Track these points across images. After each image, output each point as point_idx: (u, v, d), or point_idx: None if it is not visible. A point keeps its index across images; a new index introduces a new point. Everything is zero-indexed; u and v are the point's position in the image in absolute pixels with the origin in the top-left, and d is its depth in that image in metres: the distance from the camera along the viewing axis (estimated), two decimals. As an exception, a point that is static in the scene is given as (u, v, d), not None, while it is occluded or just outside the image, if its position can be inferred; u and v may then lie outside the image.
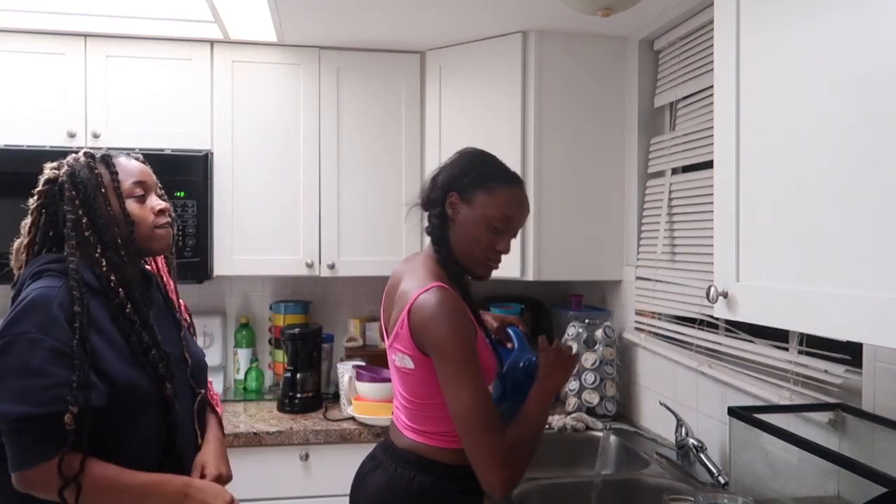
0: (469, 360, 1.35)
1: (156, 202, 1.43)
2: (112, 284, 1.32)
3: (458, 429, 1.35)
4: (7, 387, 1.18)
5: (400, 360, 1.47)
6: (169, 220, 1.44)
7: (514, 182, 1.51)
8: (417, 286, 1.43)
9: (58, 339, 1.20)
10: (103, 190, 1.36)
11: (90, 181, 1.35)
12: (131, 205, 1.38)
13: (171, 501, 1.28)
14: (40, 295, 1.24)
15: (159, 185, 1.48)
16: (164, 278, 1.60)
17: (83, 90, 2.46)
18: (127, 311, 1.32)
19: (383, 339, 1.64)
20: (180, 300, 1.67)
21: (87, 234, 1.32)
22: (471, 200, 1.48)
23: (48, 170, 1.40)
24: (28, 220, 1.40)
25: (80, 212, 1.33)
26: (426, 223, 1.56)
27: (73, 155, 1.41)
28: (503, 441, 1.33)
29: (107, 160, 1.40)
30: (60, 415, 1.17)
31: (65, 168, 1.37)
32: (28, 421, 1.18)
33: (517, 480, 1.36)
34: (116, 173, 1.38)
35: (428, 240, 1.56)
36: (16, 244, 1.41)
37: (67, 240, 1.31)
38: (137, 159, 1.47)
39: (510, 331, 1.64)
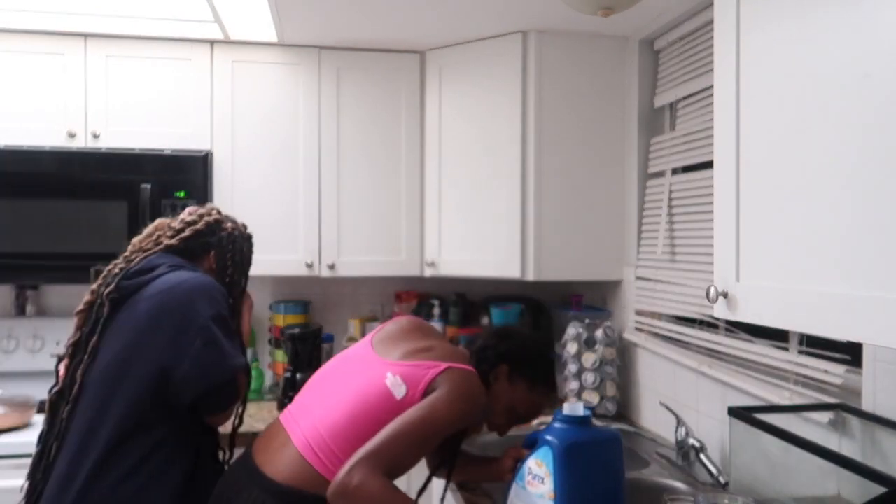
0: (441, 428, 1.37)
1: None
2: None
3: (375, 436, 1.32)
4: (232, 346, 1.50)
5: (393, 382, 1.40)
6: None
7: (553, 391, 1.63)
8: (468, 361, 1.52)
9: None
10: (244, 271, 1.69)
11: (246, 258, 1.69)
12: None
13: None
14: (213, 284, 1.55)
15: None
16: None
17: (83, 90, 2.46)
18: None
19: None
20: None
21: (225, 279, 1.63)
22: (514, 383, 1.56)
23: (214, 212, 1.70)
24: (177, 228, 1.64)
25: (230, 270, 1.64)
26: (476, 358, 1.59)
27: (235, 222, 1.70)
28: (387, 478, 1.29)
29: (252, 243, 1.72)
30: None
31: (230, 225, 1.68)
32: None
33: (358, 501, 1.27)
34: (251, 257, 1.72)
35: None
36: (139, 239, 1.64)
37: (217, 272, 1.63)
38: None
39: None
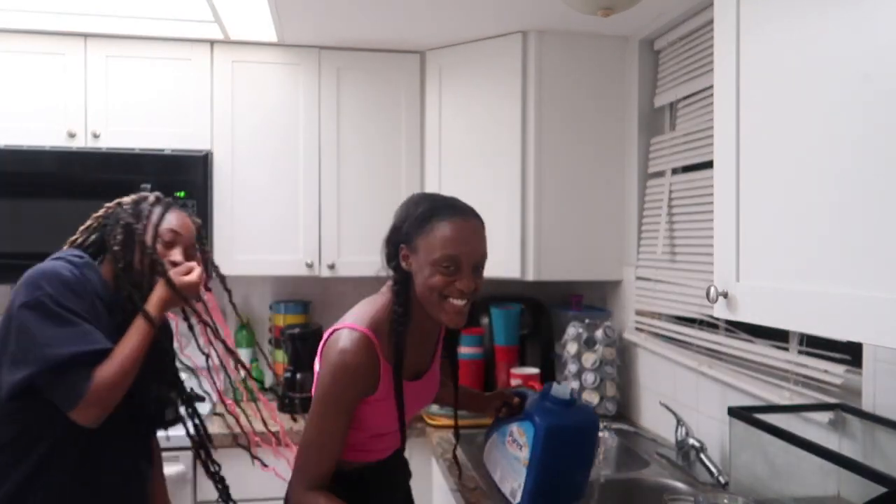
0: (332, 413, 1.36)
1: (176, 256, 1.50)
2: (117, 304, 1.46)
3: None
4: (58, 335, 1.33)
5: None
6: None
7: (453, 215, 1.39)
8: (342, 321, 1.43)
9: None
10: (141, 239, 1.47)
11: (132, 232, 1.46)
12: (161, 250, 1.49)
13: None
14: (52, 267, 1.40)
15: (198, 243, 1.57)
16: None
17: (83, 90, 2.46)
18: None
19: None
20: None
21: (119, 265, 1.46)
22: (416, 249, 1.39)
23: (129, 196, 1.54)
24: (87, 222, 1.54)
25: (117, 250, 1.46)
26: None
27: (140, 196, 1.54)
28: (310, 490, 1.36)
29: (165, 207, 1.52)
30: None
31: (125, 199, 1.52)
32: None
33: None
34: (157, 225, 1.49)
35: None
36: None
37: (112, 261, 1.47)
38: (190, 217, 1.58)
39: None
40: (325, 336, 1.44)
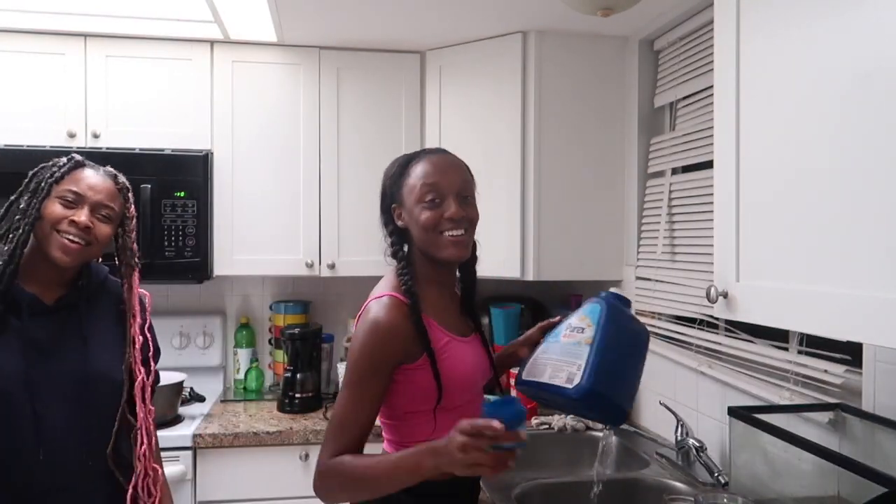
0: (359, 381, 1.31)
1: (80, 215, 1.41)
2: None
3: None
4: None
5: None
6: (78, 234, 1.40)
7: (427, 155, 1.44)
8: (373, 296, 1.42)
9: None
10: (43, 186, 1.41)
11: (41, 181, 1.41)
12: (52, 205, 1.40)
13: None
14: None
15: (109, 210, 1.47)
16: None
17: (83, 90, 2.46)
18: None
19: None
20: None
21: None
22: (402, 199, 1.42)
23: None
24: None
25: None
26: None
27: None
28: (333, 458, 1.29)
29: (75, 166, 1.46)
30: None
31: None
32: None
33: (329, 498, 1.33)
34: (61, 178, 1.42)
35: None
36: None
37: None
38: (113, 176, 1.52)
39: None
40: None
